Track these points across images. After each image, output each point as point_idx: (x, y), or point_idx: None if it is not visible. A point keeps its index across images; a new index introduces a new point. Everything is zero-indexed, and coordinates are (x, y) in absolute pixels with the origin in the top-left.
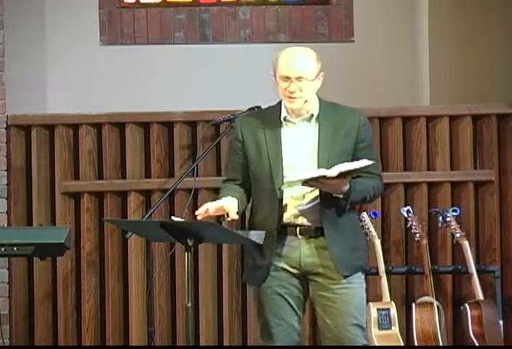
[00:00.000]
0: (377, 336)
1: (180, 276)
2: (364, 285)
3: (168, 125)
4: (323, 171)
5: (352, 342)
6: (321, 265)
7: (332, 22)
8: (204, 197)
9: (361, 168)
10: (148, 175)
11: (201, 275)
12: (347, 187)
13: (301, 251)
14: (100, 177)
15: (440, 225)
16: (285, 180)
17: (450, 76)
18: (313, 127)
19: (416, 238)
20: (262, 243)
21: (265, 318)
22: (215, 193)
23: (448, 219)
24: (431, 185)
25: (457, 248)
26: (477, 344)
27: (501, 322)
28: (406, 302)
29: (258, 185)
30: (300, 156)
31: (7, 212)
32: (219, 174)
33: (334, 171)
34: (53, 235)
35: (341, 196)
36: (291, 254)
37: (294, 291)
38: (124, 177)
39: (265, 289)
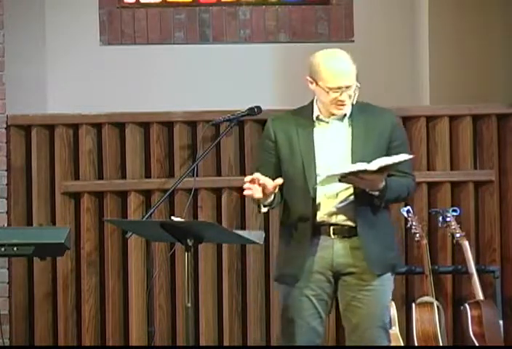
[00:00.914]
0: None
1: (180, 276)
2: (392, 286)
3: (168, 125)
4: (363, 165)
5: (374, 343)
6: (353, 266)
7: (332, 22)
8: (204, 197)
9: (399, 163)
10: (148, 175)
11: (201, 275)
12: (383, 183)
13: (334, 250)
14: (100, 177)
15: (440, 225)
16: (324, 175)
17: (450, 76)
18: (346, 126)
19: (416, 238)
20: (262, 243)
21: (289, 318)
22: (215, 193)
23: (448, 219)
24: (431, 185)
25: (457, 248)
26: (477, 344)
27: (501, 322)
28: (406, 302)
29: (291, 184)
30: (333, 155)
31: (7, 212)
32: (219, 174)
33: (374, 166)
34: (53, 235)
35: (376, 194)
36: (323, 254)
37: (321, 294)
38: (124, 177)
39: (293, 290)
